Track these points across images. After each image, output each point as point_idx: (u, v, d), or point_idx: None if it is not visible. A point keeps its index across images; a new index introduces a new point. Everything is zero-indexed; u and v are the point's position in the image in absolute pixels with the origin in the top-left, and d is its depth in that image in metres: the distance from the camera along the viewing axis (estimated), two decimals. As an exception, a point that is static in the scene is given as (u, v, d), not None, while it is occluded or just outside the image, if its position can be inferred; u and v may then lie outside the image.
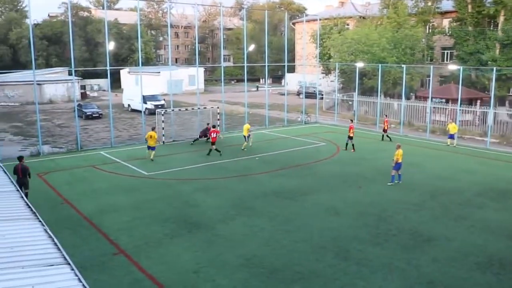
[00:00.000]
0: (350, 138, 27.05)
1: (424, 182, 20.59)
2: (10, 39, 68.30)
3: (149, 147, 25.11)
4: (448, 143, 28.92)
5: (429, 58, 47.47)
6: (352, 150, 26.91)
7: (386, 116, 32.04)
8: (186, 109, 33.58)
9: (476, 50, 39.44)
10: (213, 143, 26.13)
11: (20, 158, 17.59)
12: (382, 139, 30.52)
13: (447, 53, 48.62)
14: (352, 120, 29.59)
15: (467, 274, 12.05)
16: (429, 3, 44.50)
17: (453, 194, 18.94)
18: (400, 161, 19.85)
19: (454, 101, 33.17)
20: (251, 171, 22.63)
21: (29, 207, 8.23)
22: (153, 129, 25.62)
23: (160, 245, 13.77)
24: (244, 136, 28.02)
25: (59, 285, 5.40)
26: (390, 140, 29.75)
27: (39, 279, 5.50)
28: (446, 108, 34.31)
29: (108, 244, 13.80)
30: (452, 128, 28.86)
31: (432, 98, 34.59)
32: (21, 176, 16.72)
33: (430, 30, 46.55)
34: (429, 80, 38.88)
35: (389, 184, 19.97)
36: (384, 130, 30.54)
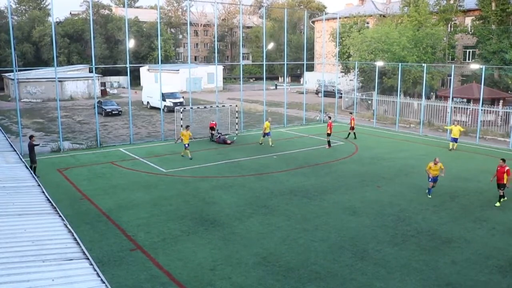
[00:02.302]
0: (328, 134, 27.84)
1: (443, 183, 20.21)
2: (33, 36, 69.47)
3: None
4: (450, 147, 27.42)
5: (450, 57, 46.71)
6: (327, 146, 27.69)
7: (351, 113, 32.31)
8: (205, 107, 33.73)
9: (500, 49, 38.71)
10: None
11: (30, 137, 21.26)
12: (347, 136, 30.69)
13: (469, 52, 47.84)
14: (330, 117, 29.87)
15: (487, 277, 11.85)
16: (451, 1, 43.81)
17: (474, 195, 18.65)
18: (437, 175, 18.50)
19: (476, 101, 32.60)
20: (269, 170, 22.62)
21: (50, 201, 8.36)
22: (186, 127, 25.60)
23: (177, 242, 13.87)
24: (265, 133, 28.14)
25: (78, 279, 5.47)
26: (355, 137, 30.40)
27: (58, 273, 5.58)
28: (467, 108, 33.76)
29: (126, 240, 13.95)
30: (455, 130, 27.21)
31: (453, 97, 34.08)
32: (29, 152, 20.44)
33: (452, 29, 45.83)
34: (450, 79, 38.31)
35: (429, 196, 18.41)
36: (351, 128, 30.76)
